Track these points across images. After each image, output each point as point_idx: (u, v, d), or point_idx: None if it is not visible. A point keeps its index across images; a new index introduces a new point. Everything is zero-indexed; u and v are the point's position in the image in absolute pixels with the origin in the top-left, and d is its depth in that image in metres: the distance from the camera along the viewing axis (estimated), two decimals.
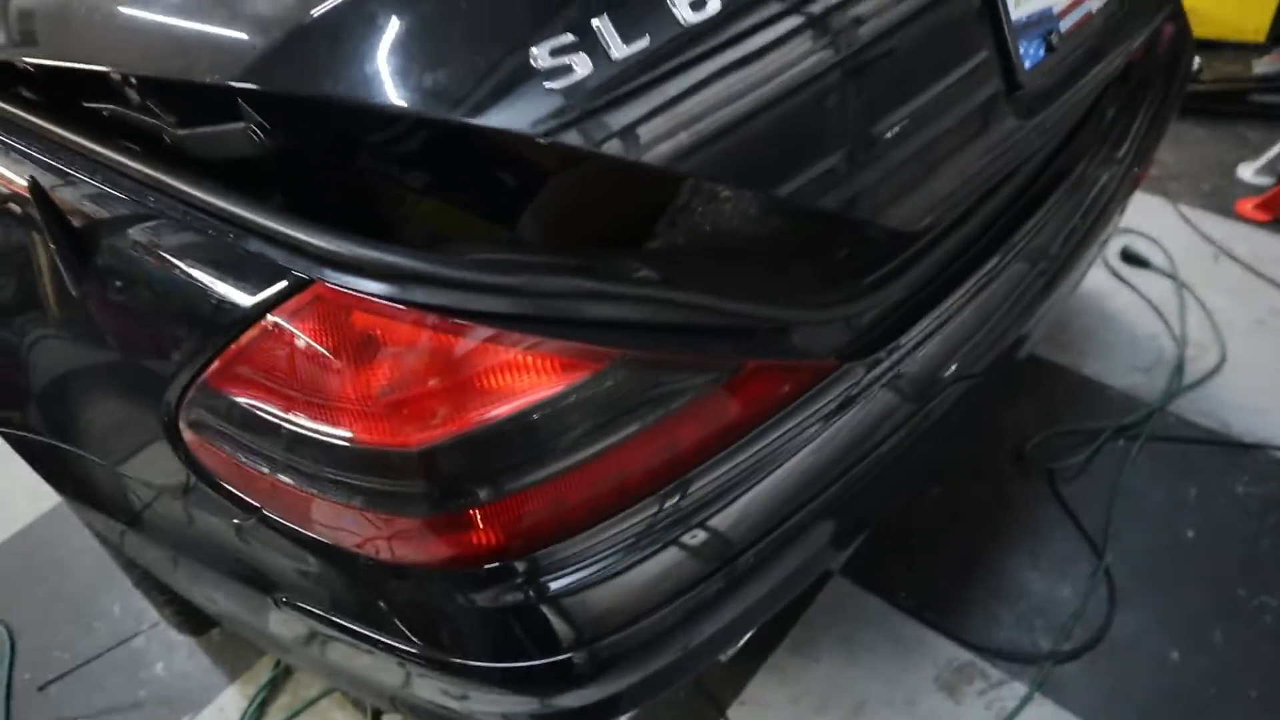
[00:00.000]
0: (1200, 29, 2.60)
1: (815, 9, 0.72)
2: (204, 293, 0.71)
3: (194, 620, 1.56)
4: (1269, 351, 1.94)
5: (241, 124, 0.71)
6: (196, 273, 0.72)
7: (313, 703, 1.54)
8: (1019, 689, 1.41)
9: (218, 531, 0.89)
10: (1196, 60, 2.64)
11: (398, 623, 0.82)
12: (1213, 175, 2.47)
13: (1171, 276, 2.13)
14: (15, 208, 0.89)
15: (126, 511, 1.03)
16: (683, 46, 0.63)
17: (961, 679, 1.42)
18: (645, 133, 0.62)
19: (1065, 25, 1.01)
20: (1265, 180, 2.40)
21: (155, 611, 1.63)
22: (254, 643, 1.49)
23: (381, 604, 0.82)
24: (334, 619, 0.86)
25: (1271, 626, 1.46)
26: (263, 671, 1.59)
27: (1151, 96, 1.43)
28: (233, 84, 0.59)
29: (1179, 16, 1.56)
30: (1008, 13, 0.92)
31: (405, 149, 0.82)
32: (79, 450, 0.99)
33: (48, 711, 1.60)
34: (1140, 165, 1.38)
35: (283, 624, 0.99)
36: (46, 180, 0.80)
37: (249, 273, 0.69)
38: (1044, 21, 0.98)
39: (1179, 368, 1.90)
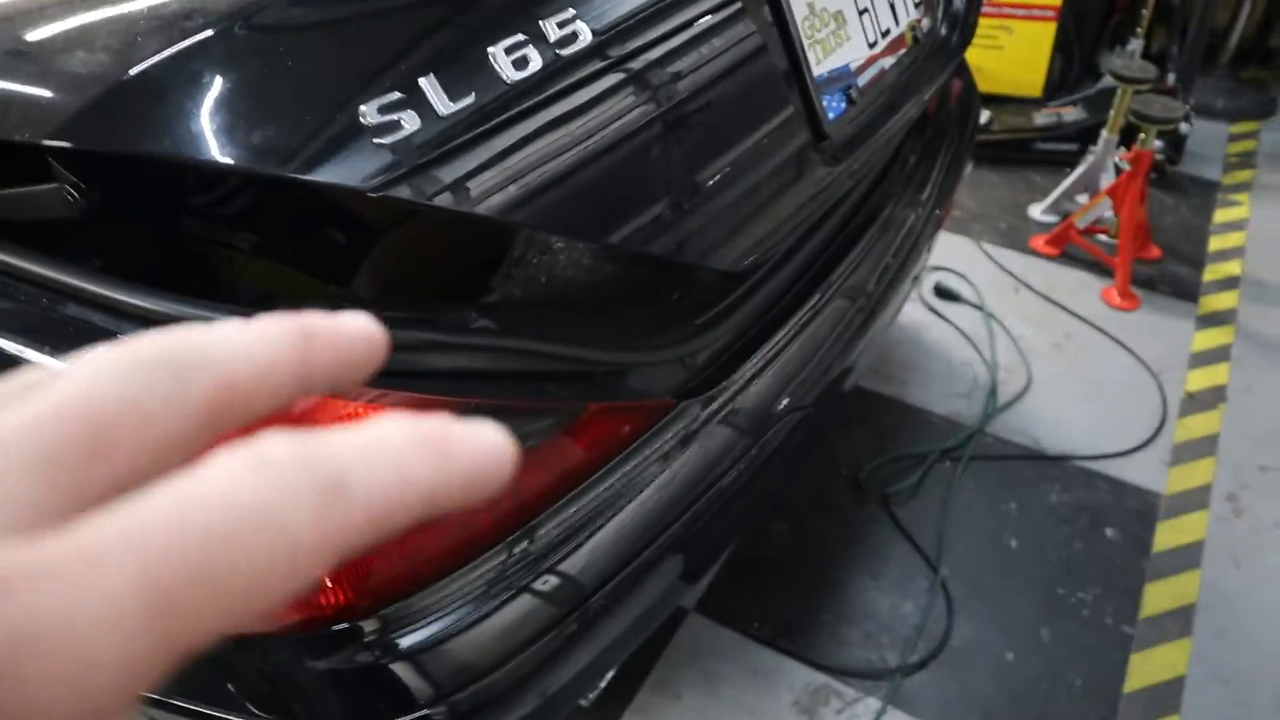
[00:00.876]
0: (987, 85, 2.88)
1: (632, 67, 0.76)
2: (13, 363, 0.67)
3: None
4: (1066, 371, 2.14)
5: (54, 184, 0.68)
6: (5, 342, 0.68)
7: None
8: (873, 704, 1.47)
9: None
10: (987, 113, 2.92)
11: (243, 698, 0.79)
12: (1008, 215, 2.71)
13: (979, 308, 2.32)
14: None
15: None
16: (508, 103, 0.66)
17: (818, 701, 1.47)
18: (475, 185, 0.64)
19: (862, 80, 1.11)
20: (1052, 218, 2.66)
21: None
22: None
23: (225, 680, 0.79)
24: (172, 702, 0.82)
25: (1089, 619, 1.59)
26: None
27: (947, 144, 1.57)
28: (45, 142, 0.57)
29: (966, 73, 1.73)
30: (809, 69, 1.00)
31: (231, 209, 0.82)
32: None
33: None
34: (942, 206, 1.51)
35: None
36: None
37: (65, 340, 0.66)
38: (843, 78, 1.07)
39: (992, 391, 2.06)
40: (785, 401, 1.10)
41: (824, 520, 1.77)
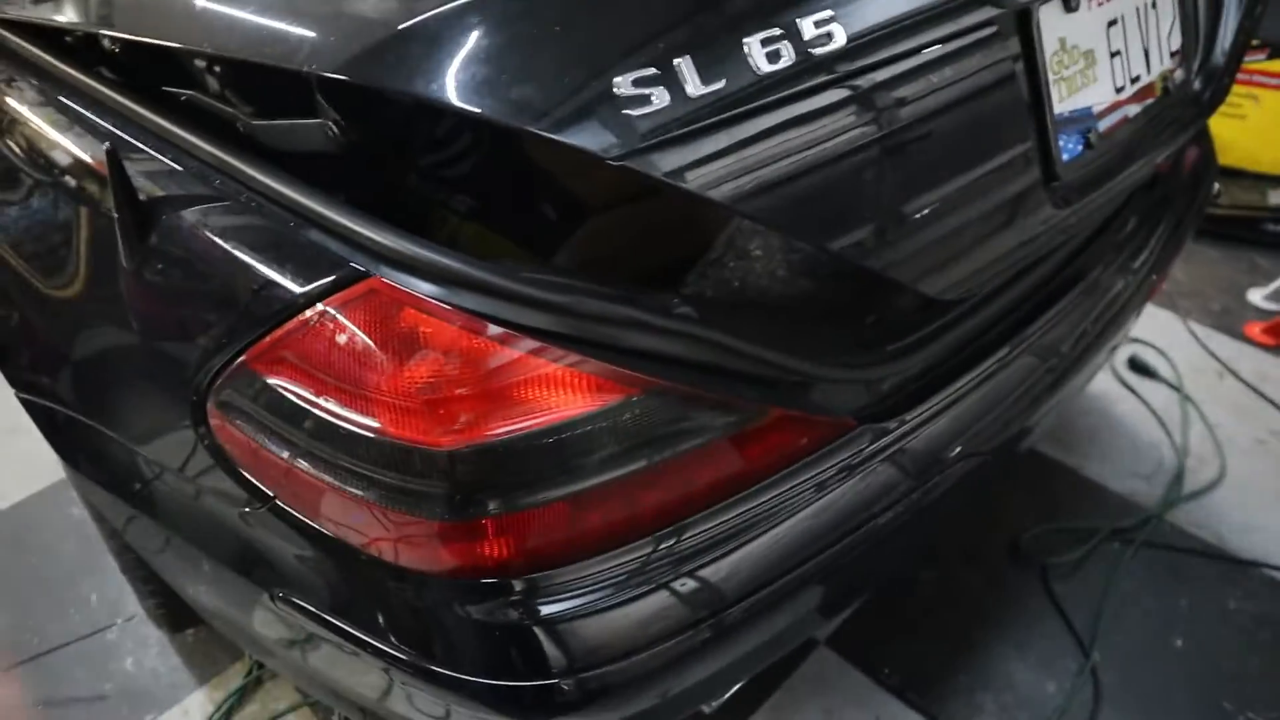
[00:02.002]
0: (1222, 156, 2.67)
1: (878, 76, 0.75)
2: (256, 276, 0.73)
3: (174, 615, 1.54)
4: (1268, 471, 1.95)
5: (319, 119, 0.74)
6: (251, 256, 0.74)
7: (281, 716, 1.51)
8: None
9: (226, 519, 0.89)
10: (1216, 185, 2.71)
11: (391, 628, 0.82)
12: (1223, 296, 2.51)
13: (1176, 389, 2.16)
14: (72, 180, 0.92)
15: (136, 494, 1.03)
16: (755, 94, 0.66)
17: None
18: (710, 170, 0.65)
19: (1103, 125, 1.05)
20: (1274, 306, 2.45)
21: (135, 603, 1.62)
22: (235, 642, 1.47)
23: (378, 607, 0.83)
24: (327, 618, 0.86)
25: None
26: (233, 678, 1.57)
27: (1172, 212, 1.47)
28: (329, 74, 0.62)
29: (1204, 140, 1.62)
30: (1051, 106, 0.96)
31: (457, 171, 0.86)
32: (101, 426, 0.99)
33: (11, 694, 1.57)
34: (1155, 277, 1.42)
35: (269, 623, 0.99)
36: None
37: (304, 261, 0.71)
38: (1084, 119, 1.02)
39: (1178, 478, 1.91)
40: (957, 449, 1.05)
41: (975, 578, 1.69)
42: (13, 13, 1.01)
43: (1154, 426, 2.05)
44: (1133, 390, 2.15)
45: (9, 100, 1.01)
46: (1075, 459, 1.96)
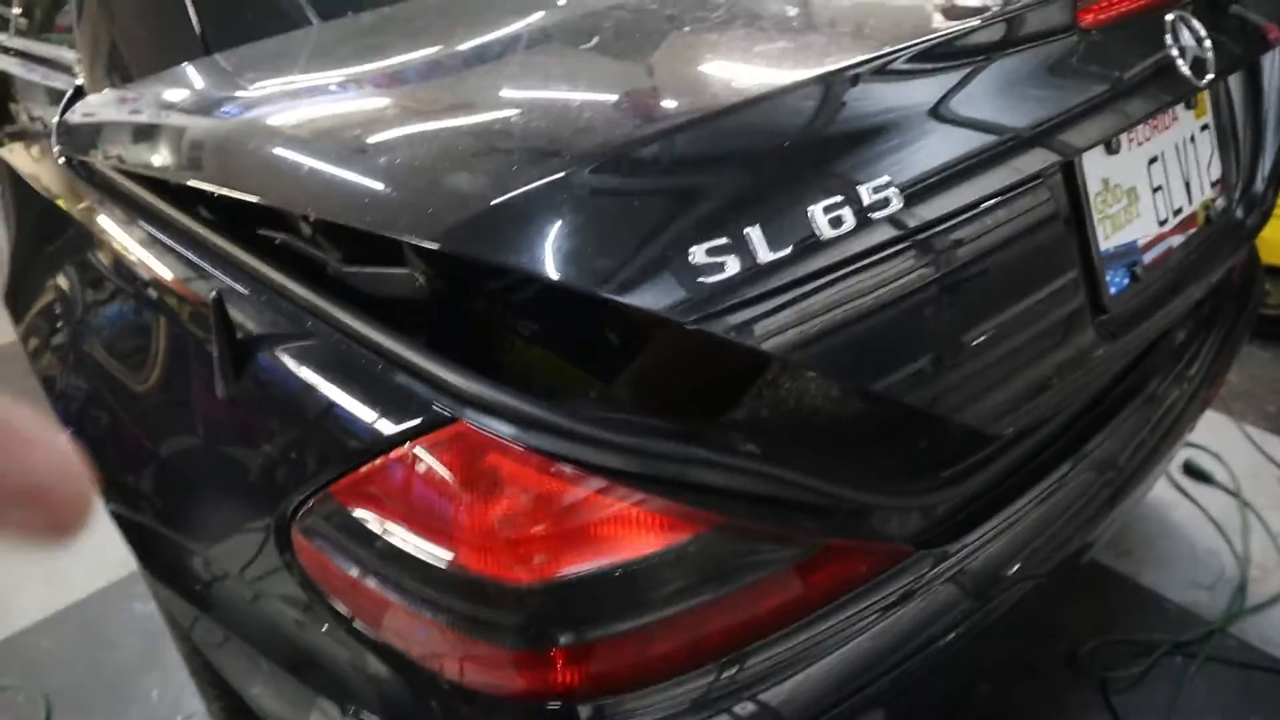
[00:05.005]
0: (1269, 256, 2.67)
1: (933, 233, 0.79)
2: (346, 413, 0.78)
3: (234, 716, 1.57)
4: None
5: (406, 270, 0.80)
6: (342, 395, 0.79)
7: None
8: None
9: (302, 636, 0.93)
10: (1265, 286, 2.70)
11: None
12: (1277, 398, 2.48)
13: (1234, 494, 2.12)
14: (175, 312, 0.99)
15: (211, 602, 1.08)
16: (817, 256, 0.71)
17: None
18: (771, 324, 0.69)
19: (1149, 258, 1.08)
20: None
21: (195, 701, 1.64)
22: None
23: None
24: None
25: None
26: None
27: (1223, 320, 1.48)
28: (428, 244, 0.68)
29: (1250, 248, 1.63)
30: (1097, 243, 0.99)
31: (545, 312, 0.91)
32: (184, 538, 1.05)
33: None
34: (1211, 387, 1.42)
35: None
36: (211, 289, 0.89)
37: (393, 402, 0.76)
38: (1130, 253, 1.05)
39: (1241, 588, 1.87)
40: (1017, 568, 1.06)
41: (1033, 692, 1.66)
42: (130, 164, 1.10)
43: (1212, 533, 2.02)
44: (1189, 496, 2.12)
45: (124, 240, 1.10)
46: (1132, 567, 1.93)
